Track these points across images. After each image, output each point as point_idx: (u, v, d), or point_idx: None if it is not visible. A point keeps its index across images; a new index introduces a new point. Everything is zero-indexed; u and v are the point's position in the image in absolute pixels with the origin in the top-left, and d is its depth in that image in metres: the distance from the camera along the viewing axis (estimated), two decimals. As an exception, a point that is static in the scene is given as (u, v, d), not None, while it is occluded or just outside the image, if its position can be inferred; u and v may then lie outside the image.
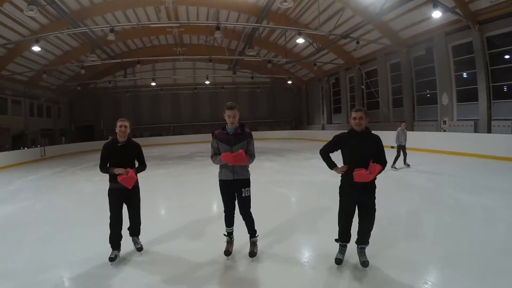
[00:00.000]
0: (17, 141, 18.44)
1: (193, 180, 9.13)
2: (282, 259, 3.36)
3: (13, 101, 19.04)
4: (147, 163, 3.70)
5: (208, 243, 3.85)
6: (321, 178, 7.95)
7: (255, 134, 3.44)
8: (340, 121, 22.37)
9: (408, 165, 8.99)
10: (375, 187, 3.07)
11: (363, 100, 19.75)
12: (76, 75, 22.18)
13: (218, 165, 3.36)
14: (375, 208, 3.06)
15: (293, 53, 21.20)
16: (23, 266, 3.39)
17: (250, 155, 3.29)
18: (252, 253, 3.37)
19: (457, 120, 13.25)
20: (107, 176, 3.48)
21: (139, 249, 3.66)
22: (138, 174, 3.54)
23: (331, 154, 3.17)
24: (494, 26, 11.30)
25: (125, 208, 3.57)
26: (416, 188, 6.74)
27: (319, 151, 3.22)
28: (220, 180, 3.36)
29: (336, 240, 3.24)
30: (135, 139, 3.72)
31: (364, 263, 3.02)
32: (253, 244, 3.45)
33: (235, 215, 3.42)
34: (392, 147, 12.33)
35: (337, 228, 3.23)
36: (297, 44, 17.99)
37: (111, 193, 3.47)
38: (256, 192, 3.57)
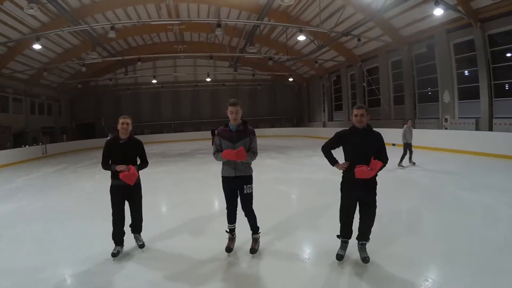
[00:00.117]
0: (18, 139, 18.51)
1: (194, 177, 9.15)
2: (283, 256, 3.38)
3: (14, 99, 19.04)
4: (148, 160, 3.71)
5: (210, 240, 3.86)
6: (322, 175, 7.96)
7: (256, 131, 3.45)
8: (341, 119, 22.33)
9: (414, 163, 8.94)
10: (376, 184, 3.09)
11: (364, 97, 19.68)
12: (77, 73, 22.20)
13: (220, 162, 3.37)
14: (376, 205, 3.08)
15: (294, 51, 21.14)
16: (24, 263, 3.41)
17: (253, 153, 3.29)
18: (253, 250, 3.39)
19: (459, 118, 13.22)
20: (108, 173, 3.50)
21: (141, 246, 3.67)
22: (139, 171, 3.55)
23: (332, 151, 3.19)
24: (496, 24, 11.25)
25: (127, 205, 3.58)
26: (417, 186, 6.75)
27: (320, 148, 3.25)
28: (222, 177, 3.37)
29: (338, 236, 3.26)
30: (136, 136, 3.73)
31: (365, 259, 3.05)
32: (255, 240, 3.47)
33: (237, 212, 3.42)
34: (393, 144, 12.36)
35: (338, 225, 3.25)
36: (298, 41, 17.94)
37: (113, 190, 3.49)
38: (257, 190, 3.58)
